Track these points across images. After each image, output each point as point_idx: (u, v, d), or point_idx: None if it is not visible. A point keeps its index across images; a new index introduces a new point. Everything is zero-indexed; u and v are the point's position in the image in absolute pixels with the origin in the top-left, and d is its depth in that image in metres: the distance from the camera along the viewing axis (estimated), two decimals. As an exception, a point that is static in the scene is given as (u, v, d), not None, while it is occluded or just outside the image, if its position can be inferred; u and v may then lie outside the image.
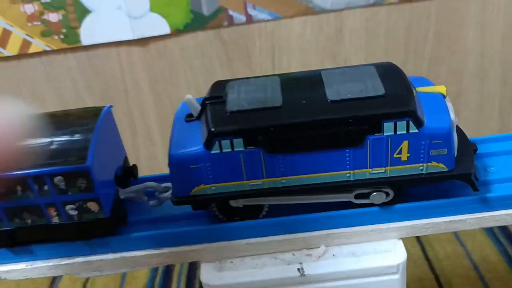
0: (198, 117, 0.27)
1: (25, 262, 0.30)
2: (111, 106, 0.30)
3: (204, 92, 0.29)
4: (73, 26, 0.54)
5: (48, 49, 0.56)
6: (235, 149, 0.25)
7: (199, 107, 0.27)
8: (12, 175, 0.26)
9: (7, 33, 0.55)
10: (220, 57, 0.57)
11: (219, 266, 0.29)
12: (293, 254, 0.29)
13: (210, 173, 0.26)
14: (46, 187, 0.26)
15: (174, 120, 0.29)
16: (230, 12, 0.54)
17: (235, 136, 0.25)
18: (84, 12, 0.54)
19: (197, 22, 0.54)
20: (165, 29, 0.55)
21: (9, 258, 0.30)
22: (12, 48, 0.55)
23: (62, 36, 0.55)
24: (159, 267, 0.64)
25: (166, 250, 0.29)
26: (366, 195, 0.28)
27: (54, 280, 0.65)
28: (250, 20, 0.55)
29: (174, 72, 0.58)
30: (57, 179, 0.26)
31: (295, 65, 0.57)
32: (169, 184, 0.30)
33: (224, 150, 0.25)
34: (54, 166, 0.26)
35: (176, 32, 0.55)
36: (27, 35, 0.55)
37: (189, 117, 0.28)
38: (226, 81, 0.29)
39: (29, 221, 0.27)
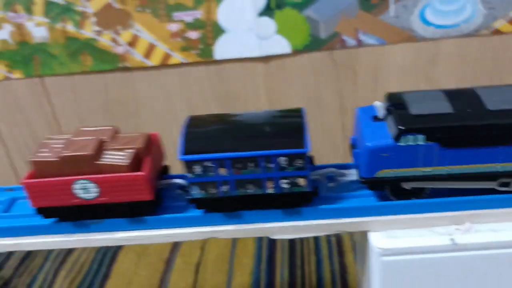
0: (383, 119, 0.36)
1: (234, 224, 0.38)
2: (305, 108, 0.39)
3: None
4: (209, 43, 0.64)
5: (184, 61, 0.65)
6: (418, 143, 0.34)
7: (384, 111, 0.36)
8: (249, 155, 0.35)
9: (152, 47, 0.65)
10: (331, 74, 0.66)
11: (386, 234, 0.38)
12: (446, 228, 0.37)
13: (394, 161, 0.35)
14: (271, 165, 0.35)
15: (357, 120, 0.38)
16: (343, 37, 0.63)
17: (419, 132, 0.34)
18: (220, 32, 0.63)
19: (315, 44, 0.64)
20: (287, 48, 0.64)
21: (220, 221, 0.39)
22: (155, 60, 0.65)
23: (198, 51, 0.65)
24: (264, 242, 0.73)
25: (343, 220, 0.38)
26: (508, 184, 0.36)
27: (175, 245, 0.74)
28: (359, 44, 0.64)
29: (289, 85, 0.67)
30: (282, 159, 0.35)
31: (393, 85, 0.66)
32: (344, 171, 0.39)
33: (408, 143, 0.34)
34: (281, 149, 0.35)
35: (296, 51, 0.64)
36: (169, 49, 0.65)
37: (376, 118, 0.37)
38: (400, 93, 0.37)
39: (250, 191, 0.36)
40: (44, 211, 0.38)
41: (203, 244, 0.77)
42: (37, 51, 0.65)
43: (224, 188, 0.36)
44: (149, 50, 0.65)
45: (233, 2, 0.61)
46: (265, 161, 0.35)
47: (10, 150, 0.74)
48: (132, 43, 0.64)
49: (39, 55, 0.65)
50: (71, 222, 0.39)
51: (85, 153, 0.36)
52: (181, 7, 0.62)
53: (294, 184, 0.36)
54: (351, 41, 0.63)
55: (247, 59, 0.65)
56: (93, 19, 0.63)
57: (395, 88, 0.66)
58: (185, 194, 0.40)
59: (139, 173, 0.36)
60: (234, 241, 0.77)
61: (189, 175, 0.36)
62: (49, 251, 0.80)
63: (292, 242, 0.76)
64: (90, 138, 0.37)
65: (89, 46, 0.64)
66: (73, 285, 0.72)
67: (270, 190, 0.36)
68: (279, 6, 0.61)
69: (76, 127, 0.41)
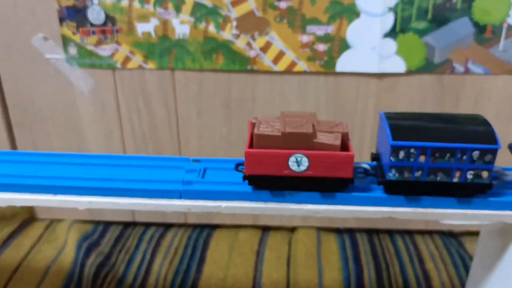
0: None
1: (413, 207, 0.45)
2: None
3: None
4: (333, 56, 0.71)
5: (307, 70, 0.72)
6: None
7: None
8: (449, 146, 0.41)
9: (281, 54, 0.72)
10: (436, 96, 0.73)
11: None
12: None
13: None
14: (464, 157, 0.42)
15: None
16: (454, 64, 0.71)
17: None
18: (345, 47, 0.71)
19: (428, 67, 0.71)
20: (402, 68, 0.71)
21: (402, 203, 0.45)
22: (281, 66, 0.72)
23: (322, 62, 0.72)
24: (346, 242, 0.78)
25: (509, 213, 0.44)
26: None
27: (262, 238, 0.80)
28: (467, 71, 0.71)
29: (396, 101, 0.74)
30: (476, 152, 0.42)
31: (491, 111, 0.73)
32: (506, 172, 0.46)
33: None
34: (478, 144, 0.41)
35: (409, 72, 0.72)
36: (296, 57, 0.72)
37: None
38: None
39: (438, 178, 0.43)
40: (253, 178, 0.44)
41: (289, 240, 0.83)
42: (175, 46, 0.72)
43: (418, 173, 0.43)
44: (278, 57, 0.72)
45: (363, 23, 0.68)
46: (460, 153, 0.41)
47: (124, 134, 0.79)
48: (264, 48, 0.71)
49: (176, 50, 0.72)
50: (269, 191, 0.45)
51: (305, 131, 0.42)
52: (315, 21, 0.69)
53: (477, 176, 0.42)
54: (460, 68, 0.71)
55: (364, 74, 0.72)
56: (234, 23, 0.70)
57: (492, 114, 0.73)
58: (365, 177, 0.46)
59: (349, 152, 0.42)
60: (319, 240, 0.83)
61: (392, 159, 0.42)
62: (142, 233, 0.85)
63: (372, 245, 0.82)
64: (302, 119, 0.44)
65: (225, 47, 0.71)
66: (173, 265, 0.77)
67: (455, 179, 0.43)
68: (403, 31, 0.69)
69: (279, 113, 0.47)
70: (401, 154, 0.42)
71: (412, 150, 0.42)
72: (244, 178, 0.44)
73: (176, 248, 0.81)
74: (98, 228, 0.87)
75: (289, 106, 0.75)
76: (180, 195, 0.46)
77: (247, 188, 0.46)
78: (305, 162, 0.43)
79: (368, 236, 0.85)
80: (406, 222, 0.84)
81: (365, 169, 0.47)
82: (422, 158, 0.42)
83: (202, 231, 0.86)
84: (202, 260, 0.79)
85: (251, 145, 0.43)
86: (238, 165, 0.47)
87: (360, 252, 0.80)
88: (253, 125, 0.45)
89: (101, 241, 0.83)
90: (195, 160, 0.51)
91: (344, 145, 0.43)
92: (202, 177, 0.48)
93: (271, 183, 0.44)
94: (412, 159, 0.42)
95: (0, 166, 0.50)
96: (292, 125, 0.43)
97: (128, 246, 0.82)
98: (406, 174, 0.43)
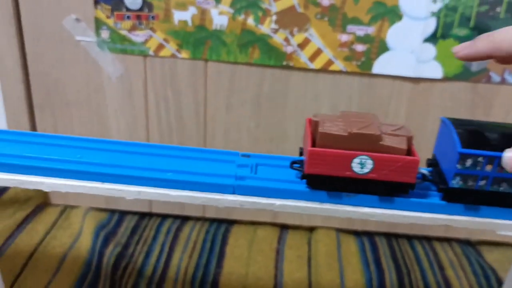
0: None
1: (471, 216, 0.44)
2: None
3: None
4: (371, 57, 0.71)
5: (343, 70, 0.72)
6: None
7: None
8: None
9: (318, 52, 0.71)
10: (468, 103, 0.73)
11: None
12: None
13: None
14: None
15: None
16: (491, 73, 0.71)
17: None
18: (384, 49, 0.70)
19: (465, 75, 0.71)
20: (438, 74, 0.71)
21: (461, 211, 0.44)
22: (317, 64, 0.72)
23: (359, 63, 0.71)
24: (366, 245, 0.78)
25: None
26: None
27: (281, 237, 0.79)
28: (503, 82, 0.71)
29: (428, 106, 0.74)
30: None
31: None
32: None
33: None
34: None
35: (445, 78, 0.71)
36: (333, 56, 0.71)
37: None
38: None
39: (501, 188, 0.42)
40: (312, 178, 0.43)
41: (308, 240, 0.82)
42: (211, 37, 0.70)
43: (482, 182, 0.42)
44: (315, 55, 0.71)
45: (405, 26, 0.68)
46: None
47: (149, 124, 0.78)
48: (302, 45, 0.70)
49: (211, 41, 0.71)
50: (326, 191, 0.44)
51: (372, 133, 0.41)
52: (356, 21, 0.68)
53: (512, 185, 0.42)
54: (496, 78, 0.71)
55: (400, 78, 0.72)
56: (274, 17, 0.69)
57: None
58: (422, 183, 0.46)
59: (415, 157, 0.42)
60: (339, 241, 0.82)
61: (458, 166, 0.42)
62: (159, 225, 0.83)
63: (392, 249, 0.81)
64: (366, 120, 0.43)
65: (262, 41, 0.70)
66: (192, 259, 0.76)
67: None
68: (444, 36, 0.68)
69: (335, 112, 0.46)
70: (468, 162, 0.41)
71: (480, 159, 0.41)
72: (303, 177, 0.43)
73: (195, 242, 0.80)
74: (113, 217, 0.85)
75: (320, 106, 0.75)
76: (233, 190, 0.45)
77: (302, 187, 0.45)
78: (369, 165, 0.42)
79: (387, 240, 0.84)
80: (425, 228, 0.84)
81: (423, 174, 0.46)
82: (488, 168, 0.41)
83: (220, 226, 0.85)
84: (221, 255, 0.77)
85: (313, 144, 0.42)
86: (294, 163, 0.46)
87: (381, 255, 0.80)
88: (314, 123, 0.44)
89: (118, 231, 0.82)
90: (244, 155, 0.50)
91: (409, 149, 0.43)
92: (255, 172, 0.47)
93: (330, 184, 0.43)
94: (478, 168, 0.41)
95: (39, 148, 0.49)
96: (357, 126, 0.42)
97: (145, 237, 0.81)
98: (470, 183, 0.42)
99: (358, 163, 0.42)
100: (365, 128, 0.42)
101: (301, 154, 0.47)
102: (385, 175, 0.42)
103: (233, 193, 0.45)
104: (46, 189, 0.46)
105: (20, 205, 0.84)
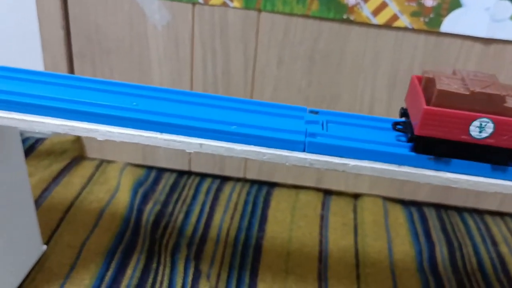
0: None
1: None
2: None
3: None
4: (441, 14, 0.65)
5: (409, 26, 0.66)
6: None
7: None
8: None
9: (383, 5, 0.65)
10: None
11: None
12: None
13: None
14: None
15: None
16: None
17: None
18: (456, 5, 0.64)
19: (542, 37, 0.65)
20: (512, 35, 0.65)
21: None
22: (381, 19, 0.66)
23: (426, 19, 0.65)
24: (414, 216, 0.74)
25: None
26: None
27: (325, 203, 0.75)
28: None
29: (500, 70, 0.68)
30: None
31: None
32: None
33: None
34: None
35: (520, 39, 0.65)
36: (399, 11, 0.65)
37: None
38: None
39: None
40: (422, 140, 0.38)
41: (354, 207, 0.79)
42: (267, -15, 0.65)
43: None
44: (379, 8, 0.65)
45: (482, -21, 0.62)
46: None
47: (194, 76, 0.73)
48: (366, -3, 0.64)
49: (267, -11, 0.65)
50: (430, 155, 0.39)
51: (497, 93, 0.36)
52: (428, -28, 0.62)
53: None
54: None
55: (470, 38, 0.66)
56: (337, -35, 0.63)
57: None
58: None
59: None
60: (386, 210, 0.78)
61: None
62: (198, 184, 0.80)
63: (442, 221, 0.77)
64: (487, 79, 0.38)
65: (322, -9, 0.64)
66: (234, 221, 0.73)
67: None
68: (524, -7, 0.62)
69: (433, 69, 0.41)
70: None
71: None
72: (411, 139, 0.39)
73: (236, 203, 0.77)
74: (151, 174, 0.82)
75: (379, 65, 0.69)
76: (304, 148, 0.41)
77: (387, 148, 0.40)
78: (489, 129, 0.37)
79: (436, 211, 0.80)
80: (477, 200, 0.80)
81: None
82: None
83: (261, 188, 0.81)
84: (263, 218, 0.74)
85: (427, 102, 0.38)
86: (396, 124, 0.42)
87: (430, 227, 0.76)
88: (427, 80, 0.39)
89: (156, 188, 0.79)
90: (312, 111, 0.45)
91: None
92: (326, 130, 0.43)
93: (441, 148, 0.39)
94: None
95: (91, 93, 0.45)
96: (479, 85, 0.37)
97: (184, 196, 0.78)
98: None
99: (477, 127, 0.37)
100: (488, 87, 0.37)
101: (402, 115, 0.42)
102: (505, 141, 0.37)
103: (304, 150, 0.41)
104: (100, 137, 0.43)
105: (55, 157, 0.81)
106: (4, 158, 0.52)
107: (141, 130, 0.42)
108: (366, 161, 0.41)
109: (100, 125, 0.42)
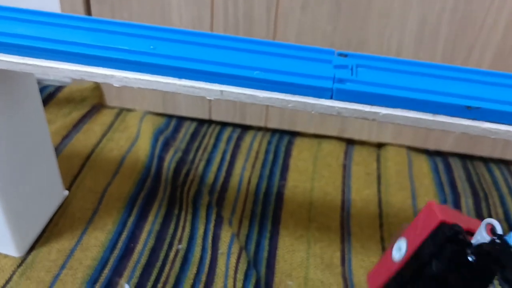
0: None
1: None
2: None
3: None
4: (478, -49, 0.60)
5: (443, -35, 0.61)
6: None
7: None
8: None
9: None
10: None
11: None
12: None
13: None
14: None
15: None
16: None
17: None
18: None
19: None
20: (556, -26, 0.60)
21: None
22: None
23: (462, -43, 0.61)
24: (439, 166, 0.72)
25: None
26: None
27: (347, 152, 0.74)
28: None
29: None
30: None
31: None
32: None
33: None
34: None
35: None
36: None
37: None
38: None
39: None
40: None
41: (377, 157, 0.77)
42: None
43: None
44: None
45: None
46: None
47: (214, 17, 0.71)
48: None
49: None
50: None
51: None
52: None
53: None
54: None
55: (508, -23, 0.62)
56: None
57: None
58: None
59: None
60: (410, 160, 0.76)
61: None
62: (219, 133, 0.79)
63: (467, 171, 0.75)
64: None
65: None
66: (255, 169, 0.72)
67: None
68: None
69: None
70: None
71: None
72: None
73: (257, 152, 0.76)
74: (171, 122, 0.81)
75: (408, 10, 0.65)
76: (332, 95, 0.39)
77: (421, 95, 0.38)
78: None
79: (461, 161, 0.78)
80: (504, 150, 0.77)
81: None
82: None
83: (283, 137, 0.80)
84: (285, 167, 0.73)
85: None
86: None
87: (455, 178, 0.74)
88: None
89: (177, 136, 0.78)
90: (341, 54, 0.43)
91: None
92: (355, 75, 0.40)
93: None
94: None
95: (106, 36, 0.43)
96: None
97: (205, 144, 0.77)
98: None
99: None
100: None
101: None
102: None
103: (331, 98, 0.39)
104: (116, 84, 0.41)
105: (75, 105, 0.81)
106: (22, 106, 0.51)
107: (159, 76, 0.41)
108: (399, 109, 0.39)
109: (117, 70, 0.41)
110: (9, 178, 0.51)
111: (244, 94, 0.40)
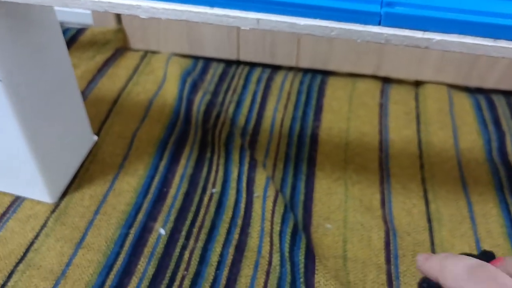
0: None
1: None
2: None
3: None
4: None
5: None
6: None
7: None
8: None
9: None
10: None
11: None
12: None
13: None
14: None
15: None
16: None
17: None
18: None
19: None
20: None
21: None
22: None
23: None
24: (482, 103, 0.68)
25: None
26: None
27: (383, 91, 0.70)
28: None
29: None
30: None
31: None
32: None
33: None
34: None
35: None
36: None
37: None
38: None
39: None
40: None
41: (416, 95, 0.73)
42: None
43: None
44: None
45: None
46: None
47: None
48: None
49: None
50: None
51: None
52: None
53: None
54: None
55: None
56: None
57: None
58: None
59: None
60: (450, 98, 0.72)
61: None
62: (248, 74, 0.76)
63: (512, 109, 0.71)
64: None
65: None
66: (288, 111, 0.69)
67: None
68: None
69: None
70: None
71: None
72: None
73: (289, 93, 0.73)
74: (198, 64, 0.78)
75: None
76: (380, 20, 0.35)
77: (481, 18, 0.34)
78: None
79: (506, 98, 0.73)
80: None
81: None
82: None
83: (315, 77, 0.76)
84: (319, 108, 0.70)
85: None
86: None
87: (499, 115, 0.70)
88: None
89: (205, 78, 0.75)
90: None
91: None
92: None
93: None
94: None
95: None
96: None
97: (234, 85, 0.74)
98: None
99: None
100: None
101: None
102: None
103: (379, 24, 0.35)
104: (143, 15, 0.38)
105: (99, 48, 0.78)
106: (46, 47, 0.48)
107: (189, 5, 0.37)
108: (455, 35, 0.35)
109: (143, 0, 0.38)
110: (39, 123, 0.49)
111: (283, 22, 0.36)
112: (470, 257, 0.32)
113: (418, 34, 0.35)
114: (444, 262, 0.33)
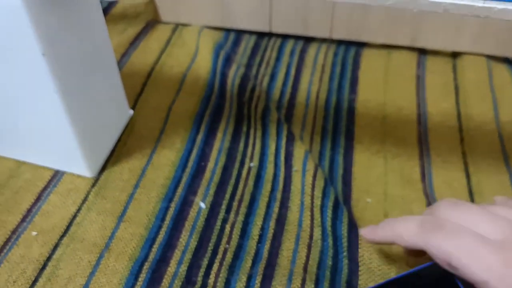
0: None
1: None
2: None
3: None
4: None
5: None
6: None
7: None
8: None
9: None
10: None
11: None
12: None
13: None
14: None
15: None
16: None
17: None
18: None
19: None
20: None
21: None
22: None
23: None
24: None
25: None
26: None
27: (420, 62, 0.69)
28: None
29: None
30: None
31: None
32: None
33: None
34: None
35: None
36: None
37: None
38: None
39: None
40: None
41: (453, 67, 0.71)
42: None
43: None
44: None
45: None
46: None
47: None
48: None
49: None
50: None
51: None
52: None
53: None
54: None
55: None
56: None
57: None
58: None
59: None
60: (490, 69, 0.70)
61: None
62: (281, 46, 0.74)
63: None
64: None
65: None
66: (323, 83, 0.68)
67: None
68: None
69: None
70: None
71: None
72: None
73: (323, 65, 0.71)
74: (229, 36, 0.77)
75: None
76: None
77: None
78: None
79: (548, 69, 0.71)
80: None
81: None
82: None
83: (349, 48, 0.75)
84: (354, 80, 0.69)
85: None
86: None
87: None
88: None
89: (237, 51, 0.74)
90: None
91: None
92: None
93: None
94: None
95: None
96: None
97: (267, 58, 0.73)
98: None
99: None
100: None
101: None
102: None
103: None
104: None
105: (129, 21, 0.77)
106: (85, 21, 0.48)
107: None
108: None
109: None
110: (79, 97, 0.49)
111: (335, -8, 0.35)
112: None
113: (479, 3, 0.34)
114: (394, 225, 0.38)
